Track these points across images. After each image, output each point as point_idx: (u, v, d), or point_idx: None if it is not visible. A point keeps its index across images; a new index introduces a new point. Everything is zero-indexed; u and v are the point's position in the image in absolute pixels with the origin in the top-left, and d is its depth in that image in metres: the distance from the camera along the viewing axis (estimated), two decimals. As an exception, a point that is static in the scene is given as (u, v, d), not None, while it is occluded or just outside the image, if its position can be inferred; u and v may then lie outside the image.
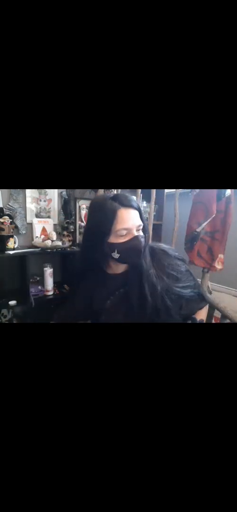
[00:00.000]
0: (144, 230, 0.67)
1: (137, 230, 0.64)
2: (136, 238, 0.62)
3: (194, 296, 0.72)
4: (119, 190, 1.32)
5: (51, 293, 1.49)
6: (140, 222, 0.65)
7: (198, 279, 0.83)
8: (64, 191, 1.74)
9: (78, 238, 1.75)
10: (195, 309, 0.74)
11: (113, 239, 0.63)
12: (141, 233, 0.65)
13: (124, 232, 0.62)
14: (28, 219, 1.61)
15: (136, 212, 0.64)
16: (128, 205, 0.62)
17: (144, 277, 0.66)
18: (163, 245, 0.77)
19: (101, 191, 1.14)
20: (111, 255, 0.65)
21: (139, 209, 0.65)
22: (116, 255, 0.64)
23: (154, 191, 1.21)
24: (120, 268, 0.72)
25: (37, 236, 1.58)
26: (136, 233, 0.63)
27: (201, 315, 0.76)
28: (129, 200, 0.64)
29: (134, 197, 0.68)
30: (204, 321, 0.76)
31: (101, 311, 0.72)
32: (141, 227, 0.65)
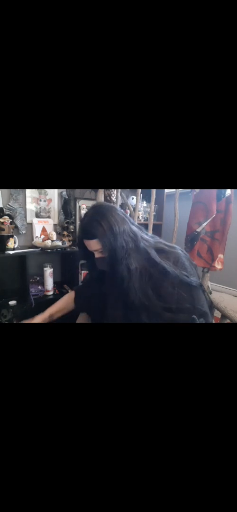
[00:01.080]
0: (108, 252, 0.71)
1: (98, 253, 0.73)
2: (96, 259, 0.75)
3: (193, 319, 0.69)
4: (119, 190, 1.32)
5: (51, 293, 1.49)
6: (96, 248, 0.72)
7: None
8: (64, 191, 1.74)
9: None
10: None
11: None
12: (102, 255, 0.72)
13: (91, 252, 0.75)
14: (28, 219, 1.61)
15: (90, 241, 0.72)
16: (84, 237, 0.74)
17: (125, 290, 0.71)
18: (173, 250, 0.78)
19: (101, 191, 1.14)
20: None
21: (96, 236, 0.71)
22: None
23: (154, 191, 1.21)
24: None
25: (37, 236, 1.58)
26: (96, 256, 0.74)
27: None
28: (86, 233, 0.73)
29: (91, 225, 0.73)
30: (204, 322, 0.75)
31: (104, 307, 0.76)
32: (100, 249, 0.71)
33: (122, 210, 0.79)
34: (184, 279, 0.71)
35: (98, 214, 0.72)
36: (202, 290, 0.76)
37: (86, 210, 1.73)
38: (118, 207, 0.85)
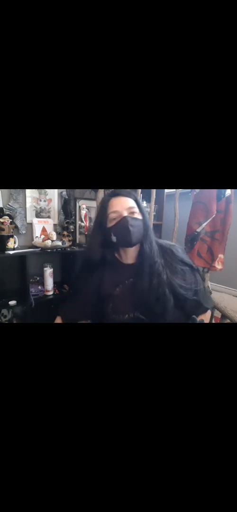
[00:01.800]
0: (143, 216, 0.72)
1: (130, 213, 0.70)
2: (124, 218, 0.68)
3: (193, 301, 0.72)
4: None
5: (51, 293, 1.49)
6: (132, 205, 0.71)
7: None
8: (64, 191, 1.74)
9: (78, 238, 1.74)
10: (195, 313, 0.74)
11: (108, 224, 0.71)
12: (135, 216, 0.70)
13: (114, 215, 0.70)
14: (28, 219, 1.61)
15: (127, 199, 0.71)
16: (118, 194, 0.73)
17: (151, 265, 0.70)
18: (171, 244, 0.80)
19: (101, 191, 1.14)
20: (112, 240, 0.71)
21: (133, 197, 0.73)
22: (113, 238, 0.71)
23: (154, 191, 1.21)
24: (130, 257, 0.75)
25: (37, 236, 1.58)
26: (125, 214, 0.69)
27: (204, 318, 0.76)
28: (120, 191, 0.73)
29: (130, 190, 0.75)
30: (205, 322, 0.75)
31: (109, 298, 0.74)
32: (134, 209, 0.71)
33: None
34: (188, 261, 0.75)
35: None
36: (200, 276, 0.80)
37: (86, 210, 1.74)
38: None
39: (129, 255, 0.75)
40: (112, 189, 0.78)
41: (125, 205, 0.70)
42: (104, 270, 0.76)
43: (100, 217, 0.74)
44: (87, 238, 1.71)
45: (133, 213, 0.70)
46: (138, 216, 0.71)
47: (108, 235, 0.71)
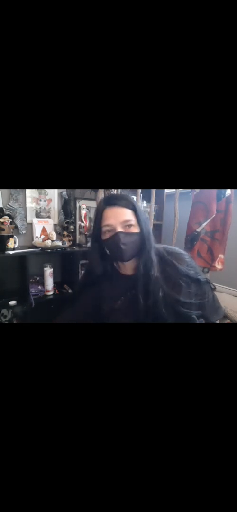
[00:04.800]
0: (142, 229, 0.66)
1: (125, 227, 0.64)
2: (116, 234, 0.63)
3: (193, 319, 0.66)
4: (119, 190, 1.32)
5: (51, 293, 1.50)
6: (128, 218, 0.64)
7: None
8: (64, 191, 1.74)
9: (78, 238, 1.75)
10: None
11: (103, 237, 0.66)
12: (132, 230, 0.65)
13: (108, 228, 0.64)
14: (28, 219, 1.61)
15: (123, 210, 0.65)
16: (112, 203, 0.65)
17: (149, 281, 0.65)
18: (177, 253, 0.73)
19: (101, 191, 1.14)
20: (107, 252, 0.67)
21: (131, 206, 0.66)
22: (107, 251, 0.67)
23: (154, 191, 1.21)
24: (128, 268, 0.71)
25: (37, 236, 1.58)
26: (119, 230, 0.63)
27: None
28: (116, 199, 0.66)
29: (127, 196, 0.69)
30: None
31: (111, 311, 0.69)
32: (131, 222, 0.64)
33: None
34: (193, 276, 0.69)
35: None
36: (210, 286, 0.74)
37: (86, 210, 1.74)
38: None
39: (127, 267, 0.70)
40: (109, 195, 0.72)
41: (120, 218, 0.63)
42: (105, 282, 0.72)
43: (96, 229, 0.68)
44: (87, 239, 1.71)
45: (129, 226, 0.64)
46: (134, 229, 0.65)
47: (103, 247, 0.68)
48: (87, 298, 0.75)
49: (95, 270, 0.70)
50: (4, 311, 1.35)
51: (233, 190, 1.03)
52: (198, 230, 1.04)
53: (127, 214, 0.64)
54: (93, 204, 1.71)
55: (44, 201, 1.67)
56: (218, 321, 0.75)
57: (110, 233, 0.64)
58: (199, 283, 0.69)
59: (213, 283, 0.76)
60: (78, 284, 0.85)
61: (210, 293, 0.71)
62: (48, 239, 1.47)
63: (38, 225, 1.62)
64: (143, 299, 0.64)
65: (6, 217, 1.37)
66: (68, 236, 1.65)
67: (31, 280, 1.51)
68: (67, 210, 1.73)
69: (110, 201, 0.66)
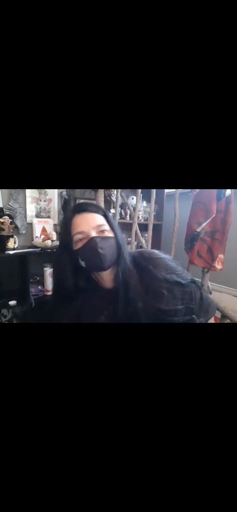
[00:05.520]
0: (116, 234, 0.62)
1: (99, 232, 0.60)
2: (92, 239, 0.57)
3: (193, 319, 0.63)
4: (119, 190, 1.33)
5: (51, 293, 1.49)
6: (101, 222, 0.60)
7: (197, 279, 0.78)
8: (64, 191, 1.74)
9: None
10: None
11: (75, 247, 0.60)
12: (106, 234, 0.60)
13: (80, 236, 0.59)
14: (28, 219, 1.61)
15: (94, 215, 0.61)
16: (82, 210, 0.61)
17: (126, 293, 0.60)
18: (153, 258, 0.68)
19: (101, 191, 1.14)
20: (81, 264, 0.60)
21: (102, 212, 0.62)
22: (82, 263, 0.60)
23: (154, 191, 1.21)
24: (108, 280, 0.64)
25: (37, 236, 1.58)
26: (94, 235, 0.58)
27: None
28: (85, 205, 0.63)
29: (95, 202, 0.66)
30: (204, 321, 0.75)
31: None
32: (104, 227, 0.60)
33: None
34: (174, 279, 0.64)
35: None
36: (197, 285, 0.68)
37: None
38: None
39: (106, 278, 0.64)
40: (76, 204, 0.67)
41: (92, 223, 0.59)
42: (84, 297, 0.64)
43: (64, 240, 0.62)
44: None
45: (103, 231, 0.60)
46: (109, 234, 0.60)
47: (76, 258, 0.60)
48: (65, 314, 0.64)
49: (68, 286, 0.61)
50: (4, 311, 1.35)
51: (233, 190, 1.03)
52: (198, 230, 1.04)
53: (99, 219, 0.60)
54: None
55: (44, 201, 1.67)
56: (212, 319, 0.71)
57: (83, 240, 0.59)
58: (182, 286, 0.64)
59: (212, 283, 0.74)
60: (53, 299, 0.74)
61: (197, 293, 0.67)
62: (48, 239, 1.47)
63: (38, 225, 1.62)
64: (125, 311, 0.59)
65: (6, 217, 1.37)
66: (68, 236, 1.65)
67: (31, 280, 1.52)
68: (67, 210, 1.73)
69: (79, 208, 0.62)
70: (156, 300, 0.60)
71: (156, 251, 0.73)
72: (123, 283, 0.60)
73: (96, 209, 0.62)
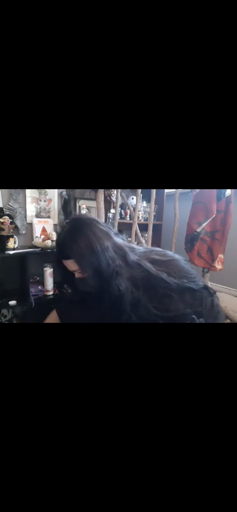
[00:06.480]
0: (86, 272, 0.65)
1: (78, 274, 0.68)
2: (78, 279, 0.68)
3: (193, 319, 0.63)
4: (119, 190, 1.33)
5: (51, 293, 1.49)
6: (74, 268, 0.67)
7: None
8: (64, 191, 1.74)
9: (78, 238, 1.74)
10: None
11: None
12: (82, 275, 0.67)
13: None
14: (28, 219, 1.61)
15: (67, 262, 0.67)
16: (62, 258, 0.69)
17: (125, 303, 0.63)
18: (171, 260, 0.70)
19: (101, 191, 1.14)
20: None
21: (73, 256, 0.66)
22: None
23: (154, 191, 1.21)
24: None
25: (37, 236, 1.58)
26: (76, 275, 0.68)
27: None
28: (59, 253, 0.69)
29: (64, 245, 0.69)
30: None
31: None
32: (78, 270, 0.67)
33: (105, 224, 0.70)
34: (186, 285, 0.64)
35: (74, 230, 0.64)
36: (208, 291, 0.69)
37: (86, 210, 1.74)
38: (100, 220, 0.76)
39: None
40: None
41: (71, 268, 0.67)
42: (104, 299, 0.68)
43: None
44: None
45: (79, 273, 0.67)
46: (83, 274, 0.65)
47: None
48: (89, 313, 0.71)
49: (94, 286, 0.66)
50: (4, 311, 1.35)
51: (233, 190, 1.03)
52: (198, 230, 1.04)
53: (72, 264, 0.65)
54: (93, 204, 1.71)
55: (44, 201, 1.67)
56: None
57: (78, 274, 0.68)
58: (193, 292, 0.64)
59: (212, 283, 0.74)
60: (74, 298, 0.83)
61: (208, 299, 0.67)
62: (48, 239, 1.47)
63: (38, 225, 1.62)
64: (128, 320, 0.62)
65: (6, 217, 1.37)
66: (68, 236, 1.64)
67: (31, 280, 1.51)
68: (67, 210, 1.73)
69: (59, 254, 0.68)
70: (165, 306, 0.61)
71: (170, 252, 0.74)
72: (117, 298, 0.62)
73: (65, 255, 0.67)
